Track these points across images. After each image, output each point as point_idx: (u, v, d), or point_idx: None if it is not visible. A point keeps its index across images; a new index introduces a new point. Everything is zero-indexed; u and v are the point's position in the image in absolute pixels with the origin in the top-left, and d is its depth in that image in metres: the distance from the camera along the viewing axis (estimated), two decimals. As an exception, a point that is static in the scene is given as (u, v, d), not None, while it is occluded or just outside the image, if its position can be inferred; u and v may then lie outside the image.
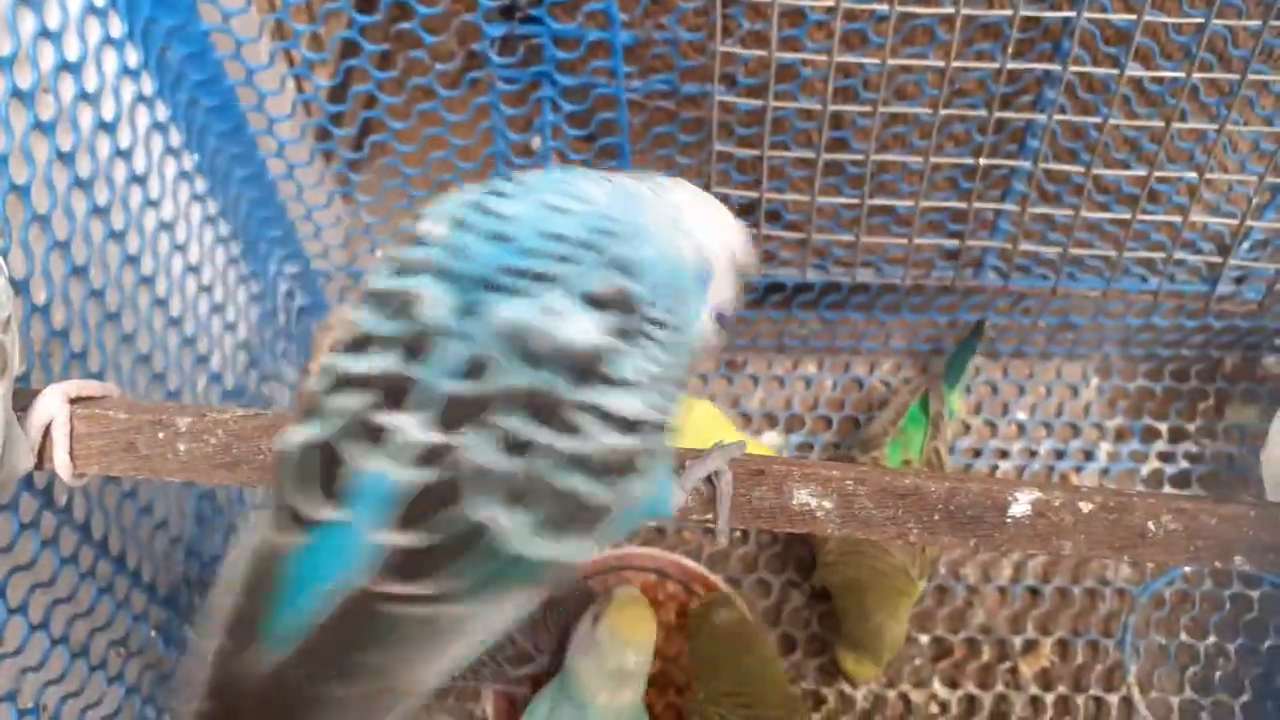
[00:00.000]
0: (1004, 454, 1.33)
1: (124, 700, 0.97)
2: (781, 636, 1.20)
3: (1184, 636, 1.21)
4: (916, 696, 1.17)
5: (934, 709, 1.16)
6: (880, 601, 1.08)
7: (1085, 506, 0.57)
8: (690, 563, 1.21)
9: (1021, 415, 1.37)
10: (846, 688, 1.17)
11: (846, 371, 1.41)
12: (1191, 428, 1.35)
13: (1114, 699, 1.17)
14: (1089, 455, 1.34)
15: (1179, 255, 1.18)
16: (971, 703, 1.17)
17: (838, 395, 1.39)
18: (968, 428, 1.36)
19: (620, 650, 0.91)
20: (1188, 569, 1.23)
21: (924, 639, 1.20)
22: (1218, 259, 1.19)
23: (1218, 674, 1.18)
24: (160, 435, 0.59)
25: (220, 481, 0.60)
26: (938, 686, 1.18)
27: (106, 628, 0.95)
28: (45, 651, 0.83)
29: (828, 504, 0.58)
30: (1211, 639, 1.20)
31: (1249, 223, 1.14)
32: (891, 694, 1.17)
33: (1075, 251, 1.20)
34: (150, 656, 1.02)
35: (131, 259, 0.99)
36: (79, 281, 0.87)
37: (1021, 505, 0.56)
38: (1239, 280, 1.27)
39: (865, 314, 1.37)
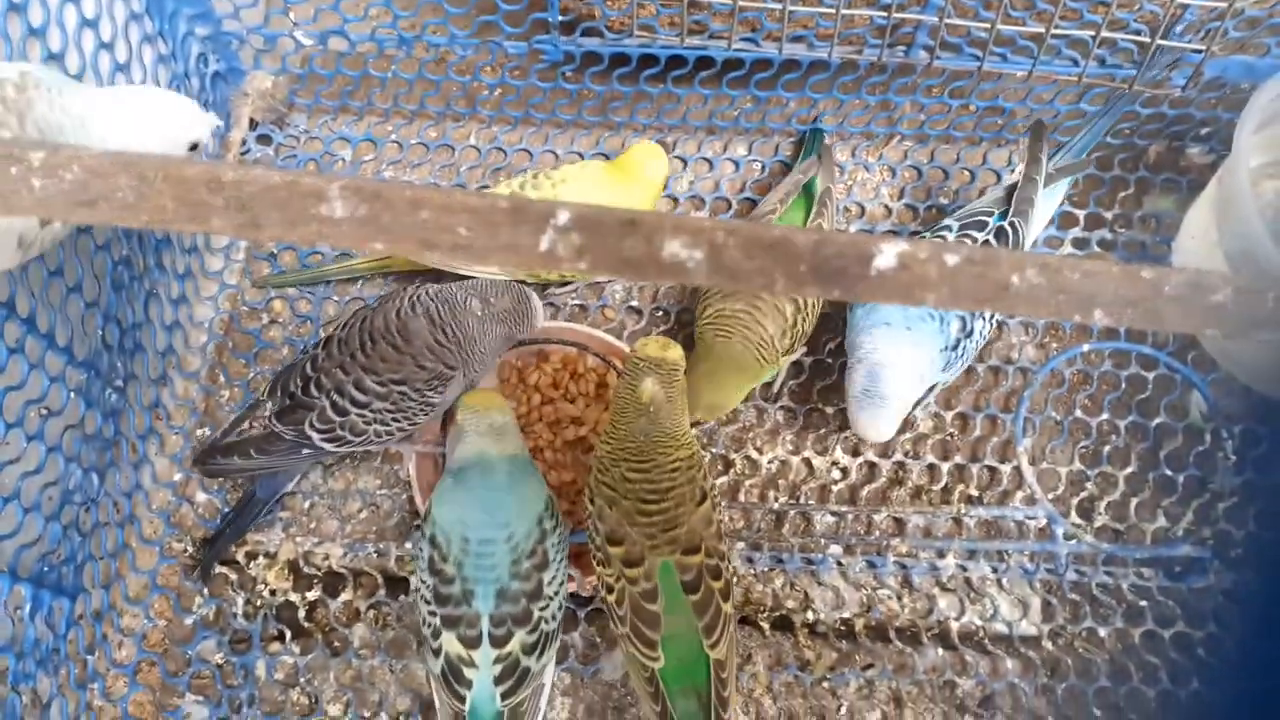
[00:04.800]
0: (918, 235, 1.32)
1: (46, 458, 0.97)
2: (696, 408, 1.22)
3: (1079, 413, 1.24)
4: (819, 463, 1.20)
5: (835, 475, 1.20)
6: (725, 361, 1.08)
7: (951, 260, 0.55)
8: (610, 338, 1.21)
9: (943, 201, 1.35)
10: (753, 453, 1.20)
11: (776, 154, 1.38)
12: (1109, 215, 1.34)
13: (1006, 469, 1.20)
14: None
15: (1109, 35, 1.13)
16: (871, 469, 1.21)
17: (764, 179, 1.36)
18: (869, 211, 1.34)
19: (483, 416, 1.02)
20: (1086, 347, 1.25)
21: (829, 410, 1.22)
22: (1148, 40, 1.15)
23: (1107, 449, 1.22)
24: (13, 170, 0.55)
25: (81, 220, 0.57)
26: (840, 454, 1.21)
27: (21, 387, 0.94)
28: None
29: (698, 254, 0.56)
30: (1105, 416, 1.23)
31: (1182, 1, 1.09)
32: (795, 459, 1.20)
33: (1004, 28, 1.16)
34: (70, 417, 1.02)
35: (16, 6, 0.92)
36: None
37: (887, 258, 0.55)
38: (1171, 66, 1.23)
39: (796, 93, 1.33)
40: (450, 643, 0.93)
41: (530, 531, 0.95)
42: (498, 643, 0.92)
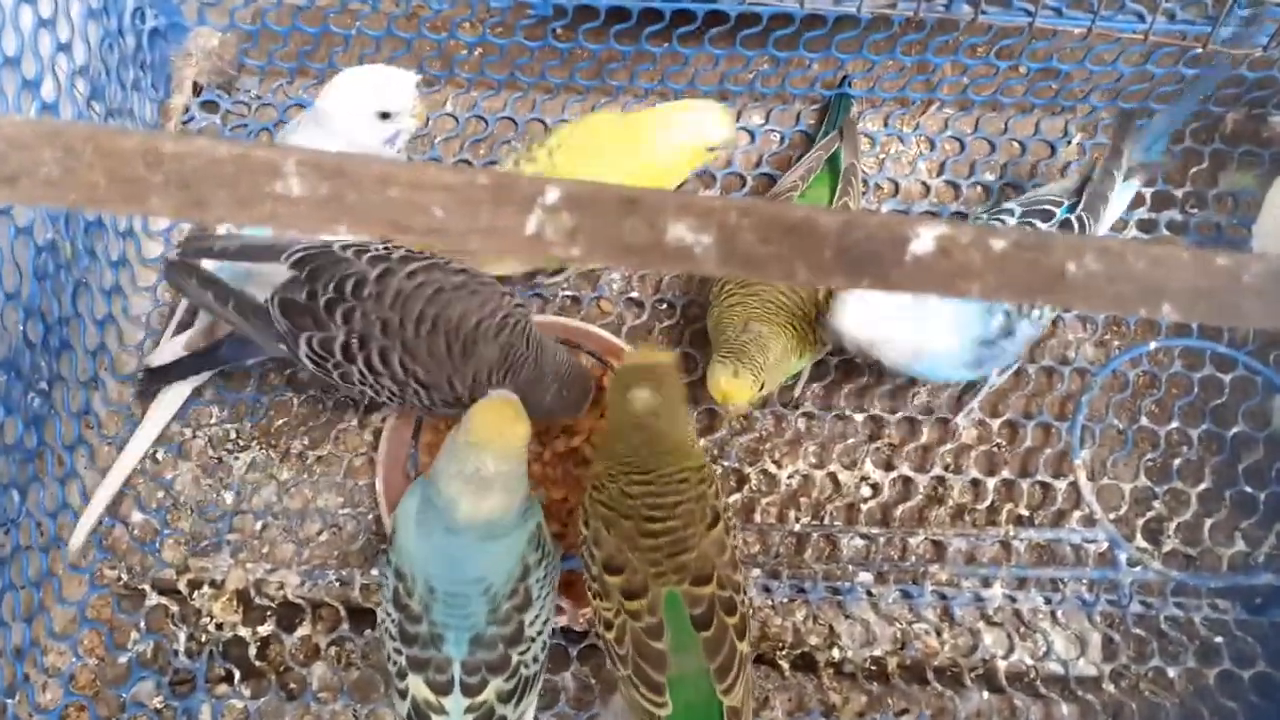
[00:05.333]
0: (962, 218, 1.33)
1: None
2: (708, 413, 1.22)
3: (1145, 421, 1.24)
4: (845, 478, 1.20)
5: (865, 491, 1.20)
6: (767, 320, 1.08)
7: (997, 244, 0.55)
8: (607, 335, 1.21)
9: (989, 177, 1.36)
10: (771, 466, 1.20)
11: (797, 124, 1.38)
12: (1179, 194, 1.34)
13: (1061, 485, 1.20)
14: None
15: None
16: (906, 485, 1.21)
17: (783, 152, 1.36)
18: (927, 189, 1.35)
19: (476, 455, 0.90)
20: (1153, 345, 1.25)
21: (858, 418, 1.22)
22: (1224, -9, 1.15)
23: (1177, 461, 1.22)
24: (-80, 144, 0.55)
25: (3, 200, 0.57)
26: (870, 468, 1.21)
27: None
28: None
29: (706, 239, 0.56)
30: (1174, 424, 1.23)
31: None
32: (819, 474, 1.20)
33: (1060, -22, 1.16)
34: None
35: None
36: None
37: (924, 242, 0.55)
38: (1250, 22, 1.23)
39: (820, 53, 1.33)
40: (418, 686, 0.92)
41: (511, 572, 0.93)
42: (471, 691, 0.92)
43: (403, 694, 0.94)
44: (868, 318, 1.04)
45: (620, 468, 0.96)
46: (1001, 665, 1.14)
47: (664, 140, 1.17)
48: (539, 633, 0.95)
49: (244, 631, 1.13)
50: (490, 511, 0.91)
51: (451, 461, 0.92)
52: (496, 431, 0.92)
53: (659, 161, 1.17)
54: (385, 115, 1.09)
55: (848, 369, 1.24)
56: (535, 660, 0.95)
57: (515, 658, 0.93)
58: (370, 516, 1.18)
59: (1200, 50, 1.23)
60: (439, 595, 0.91)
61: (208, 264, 1.08)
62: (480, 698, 0.92)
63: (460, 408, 1.00)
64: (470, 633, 0.91)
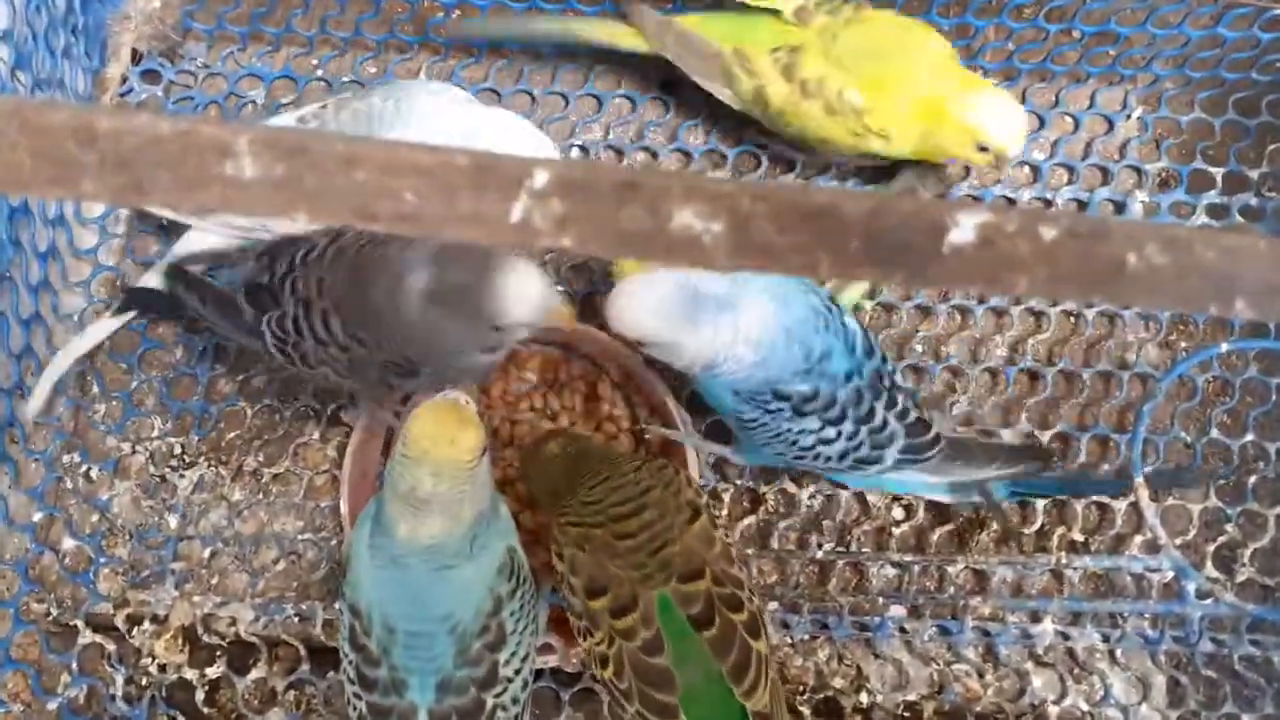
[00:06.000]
0: (1010, 203, 1.32)
1: None
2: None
3: (1215, 433, 1.24)
4: (874, 498, 1.20)
5: (897, 513, 1.20)
6: None
7: (1048, 232, 0.55)
8: (604, 335, 1.21)
9: (1038, 155, 1.36)
10: (790, 485, 1.20)
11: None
12: (1255, 175, 1.34)
13: (1121, 506, 1.21)
14: (1119, 208, 1.33)
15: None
16: (943, 507, 1.20)
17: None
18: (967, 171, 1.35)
19: (411, 470, 0.86)
20: (1225, 347, 1.25)
21: (891, 430, 1.22)
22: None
23: (1252, 480, 1.22)
24: None
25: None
26: (903, 487, 1.21)
27: None
28: None
29: (716, 226, 0.56)
30: (1249, 437, 1.24)
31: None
32: (844, 494, 1.20)
33: (1118, -71, 1.16)
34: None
35: None
36: None
37: (964, 231, 0.55)
38: (1334, -21, 1.23)
39: (845, 16, 1.33)
40: None
41: (480, 607, 0.92)
42: None
43: None
44: (640, 299, 0.97)
45: (571, 498, 0.99)
46: (1053, 711, 1.14)
47: (956, 106, 1.15)
48: (516, 672, 0.95)
49: (190, 674, 1.13)
50: (431, 537, 0.89)
51: (388, 477, 0.90)
52: (432, 442, 0.87)
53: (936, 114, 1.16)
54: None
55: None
56: (515, 702, 0.95)
57: (490, 702, 0.92)
58: (334, 543, 1.18)
59: (1279, 10, 1.23)
60: (399, 635, 0.90)
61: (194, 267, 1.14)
62: None
63: (400, 376, 1.01)
64: (436, 677, 0.91)
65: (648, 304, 0.96)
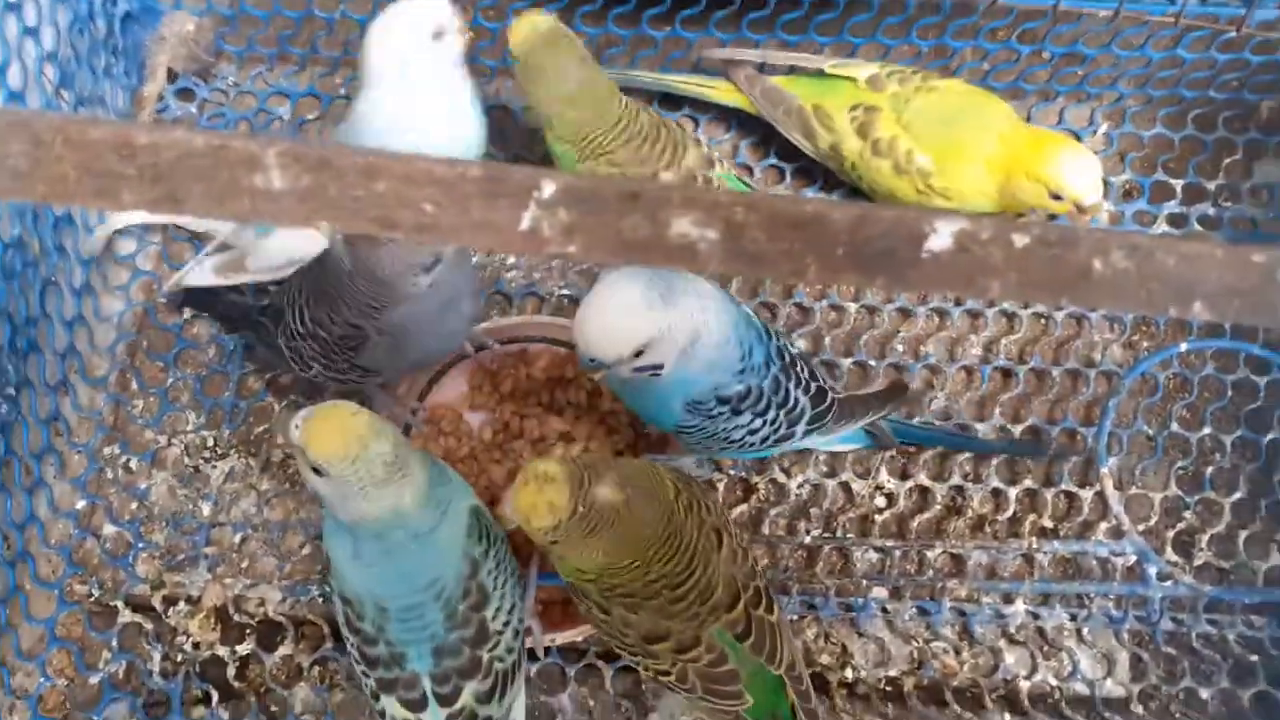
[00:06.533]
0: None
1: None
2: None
3: (1175, 427, 1.24)
4: (859, 487, 1.20)
5: (879, 501, 1.20)
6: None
7: (1020, 239, 0.55)
8: (606, 335, 1.21)
9: (1012, 167, 1.36)
10: (780, 475, 1.20)
11: (807, 111, 1.38)
12: (1212, 186, 1.34)
13: (1087, 495, 1.20)
14: (1086, 216, 1.33)
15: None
16: (924, 495, 1.21)
17: (794, 140, 1.37)
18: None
19: (337, 474, 0.85)
20: (1184, 346, 1.25)
21: (873, 424, 1.22)
22: (1259, -28, 1.15)
23: (1210, 470, 1.22)
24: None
25: (-36, 196, 0.57)
26: (885, 476, 1.21)
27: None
28: None
29: (711, 234, 0.56)
30: (1207, 430, 1.23)
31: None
32: (831, 483, 1.20)
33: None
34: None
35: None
36: None
37: (942, 237, 0.55)
38: (1286, 4, 1.23)
39: (832, 37, 1.33)
40: (393, 706, 0.93)
41: (459, 571, 0.92)
42: (446, 701, 0.93)
43: (381, 715, 0.95)
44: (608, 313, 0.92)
45: (625, 564, 0.92)
46: (1024, 686, 1.14)
47: (1035, 159, 1.15)
48: (505, 624, 0.95)
49: (222, 650, 1.13)
50: (407, 505, 0.88)
51: (324, 498, 0.89)
52: (328, 443, 0.85)
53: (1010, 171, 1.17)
54: (438, 34, 1.08)
55: (859, 372, 1.24)
56: (510, 652, 0.96)
57: (485, 656, 0.93)
58: (355, 529, 1.18)
59: (1234, 34, 1.23)
60: (392, 613, 0.91)
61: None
62: (458, 705, 0.93)
63: (353, 349, 1.01)
64: (432, 644, 0.92)
65: (634, 304, 0.90)
